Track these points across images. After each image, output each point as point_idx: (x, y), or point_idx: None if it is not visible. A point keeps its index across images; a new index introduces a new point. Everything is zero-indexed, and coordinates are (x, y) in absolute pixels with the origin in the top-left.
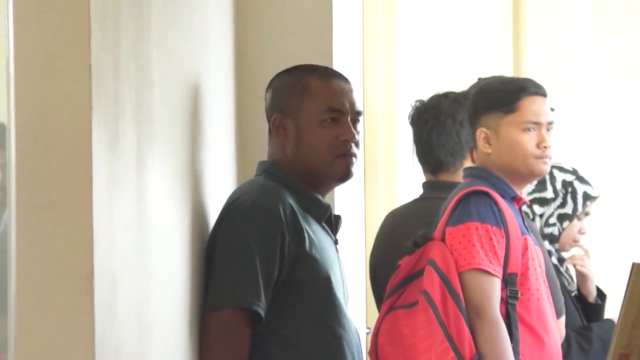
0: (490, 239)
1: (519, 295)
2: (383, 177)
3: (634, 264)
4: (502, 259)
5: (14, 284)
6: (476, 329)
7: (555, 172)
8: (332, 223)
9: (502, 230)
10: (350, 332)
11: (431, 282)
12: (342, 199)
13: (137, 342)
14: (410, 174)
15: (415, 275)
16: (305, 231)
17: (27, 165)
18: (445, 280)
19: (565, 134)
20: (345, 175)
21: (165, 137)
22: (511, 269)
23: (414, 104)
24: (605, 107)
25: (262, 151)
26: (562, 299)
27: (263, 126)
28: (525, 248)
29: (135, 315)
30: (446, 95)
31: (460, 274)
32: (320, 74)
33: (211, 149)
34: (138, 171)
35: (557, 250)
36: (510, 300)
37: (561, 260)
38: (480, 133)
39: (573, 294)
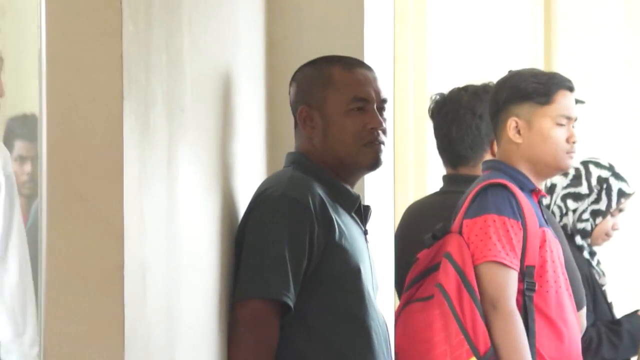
0: (507, 231)
1: (537, 287)
2: (413, 167)
3: None
4: (519, 252)
5: (44, 275)
6: (491, 322)
7: (592, 168)
8: (361, 213)
9: (520, 223)
10: (378, 323)
11: (447, 275)
12: (371, 189)
13: (167, 333)
14: (440, 165)
15: (432, 268)
16: (335, 222)
17: (58, 156)
18: (461, 273)
19: (596, 129)
20: (374, 163)
21: (196, 127)
22: (528, 261)
23: (433, 97)
24: (638, 100)
25: (291, 142)
26: (582, 291)
27: (292, 117)
28: (544, 240)
29: (164, 306)
30: (466, 89)
31: (476, 267)
32: (343, 64)
33: (241, 140)
34: (169, 162)
35: (589, 245)
36: (527, 293)
37: (593, 254)
38: (512, 122)
39: (603, 288)
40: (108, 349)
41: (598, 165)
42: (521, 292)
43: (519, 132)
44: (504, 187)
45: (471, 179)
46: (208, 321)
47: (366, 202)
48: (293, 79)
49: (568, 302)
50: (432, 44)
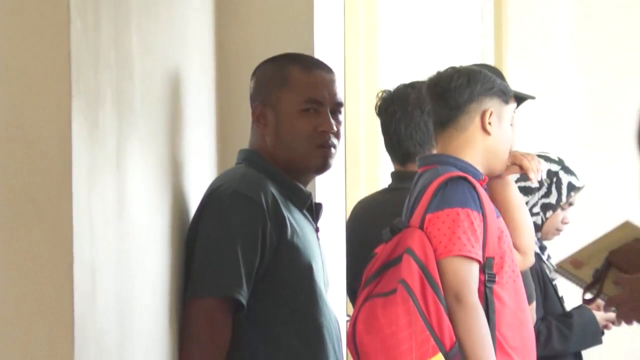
0: (472, 222)
1: (498, 278)
2: (364, 165)
3: (626, 221)
4: (482, 243)
5: None
6: (455, 316)
7: (541, 162)
8: (313, 211)
9: (481, 215)
10: (330, 320)
11: (410, 272)
12: (323, 186)
13: (118, 332)
14: (391, 163)
15: (391, 262)
16: (287, 219)
17: (5, 155)
18: (423, 268)
19: (545, 123)
20: (322, 166)
21: (146, 126)
22: (488, 252)
23: (380, 94)
24: (587, 96)
25: (242, 140)
26: (532, 286)
27: (243, 115)
28: (502, 231)
29: (115, 304)
30: (412, 86)
31: (439, 261)
32: (302, 65)
33: (192, 138)
34: (118, 160)
35: (539, 239)
36: (488, 284)
37: (543, 248)
38: (487, 112)
39: (554, 282)
40: (58, 350)
41: (547, 159)
42: (482, 284)
43: (489, 123)
44: (464, 179)
45: None
46: (160, 320)
47: (318, 200)
48: (254, 74)
49: (523, 291)
50: (383, 41)
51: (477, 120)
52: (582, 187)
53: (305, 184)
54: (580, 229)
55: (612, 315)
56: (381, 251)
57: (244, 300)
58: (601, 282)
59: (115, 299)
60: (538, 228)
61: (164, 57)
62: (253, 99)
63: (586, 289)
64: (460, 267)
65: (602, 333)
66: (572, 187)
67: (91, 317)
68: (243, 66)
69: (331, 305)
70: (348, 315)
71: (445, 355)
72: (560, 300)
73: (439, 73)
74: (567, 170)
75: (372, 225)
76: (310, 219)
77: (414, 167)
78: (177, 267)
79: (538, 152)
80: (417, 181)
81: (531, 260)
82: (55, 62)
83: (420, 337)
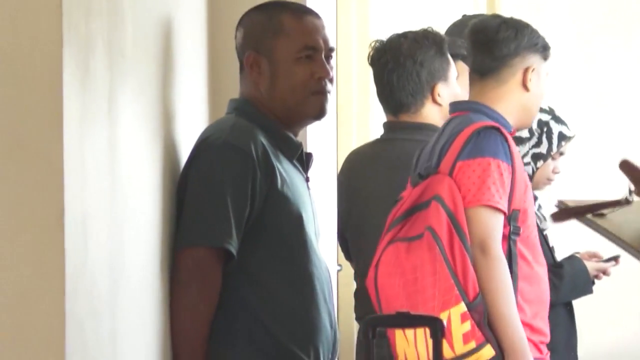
0: (501, 174)
1: (520, 231)
2: (356, 115)
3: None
4: (507, 196)
5: None
6: (479, 266)
7: None
8: (303, 161)
9: (510, 167)
10: (321, 269)
11: (438, 219)
12: (314, 136)
13: (109, 282)
14: (383, 114)
15: (418, 207)
16: (276, 169)
17: None
18: (452, 218)
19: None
20: (320, 112)
21: (137, 74)
22: (515, 205)
23: (373, 44)
24: (582, 54)
25: (234, 89)
26: None
27: (235, 65)
28: (527, 185)
29: (107, 254)
30: (405, 36)
31: (465, 209)
32: (292, 11)
33: (183, 87)
34: (109, 109)
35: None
36: (512, 237)
37: (534, 198)
38: (530, 69)
39: (545, 232)
40: (50, 296)
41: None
42: (506, 237)
43: (530, 80)
44: (497, 129)
45: (413, 126)
46: (151, 269)
47: (309, 150)
48: (240, 23)
49: (539, 246)
50: None
51: (519, 75)
52: (572, 137)
53: (297, 133)
54: (572, 177)
55: (603, 265)
56: (408, 195)
57: (233, 250)
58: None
59: (107, 249)
60: (529, 178)
61: (155, 4)
62: (243, 48)
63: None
64: (487, 217)
65: (593, 283)
66: (563, 137)
67: (82, 265)
68: (235, 13)
69: (322, 254)
70: (339, 265)
71: (467, 305)
72: (551, 250)
73: (482, 20)
74: (558, 120)
75: (365, 175)
76: (301, 168)
77: (406, 117)
78: (168, 217)
79: None
80: (446, 126)
81: None
82: (47, 11)
83: (444, 285)
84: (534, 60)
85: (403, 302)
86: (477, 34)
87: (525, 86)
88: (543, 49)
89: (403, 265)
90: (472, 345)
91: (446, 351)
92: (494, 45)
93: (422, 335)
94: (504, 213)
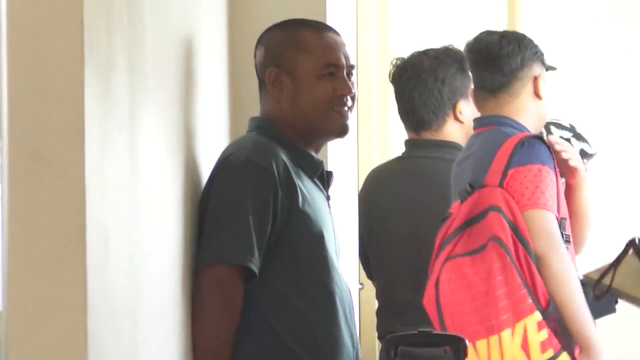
0: (552, 180)
1: (571, 239)
2: (376, 132)
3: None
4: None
5: (6, 238)
6: (546, 266)
7: (553, 129)
8: (324, 179)
9: (555, 175)
10: (342, 288)
11: (502, 228)
12: (335, 154)
13: (130, 297)
14: (404, 130)
15: (471, 221)
16: (298, 187)
17: (19, 119)
18: (513, 226)
19: (560, 92)
20: (342, 130)
21: (158, 91)
22: (562, 213)
23: (394, 61)
24: (602, 66)
25: (255, 107)
26: None
27: (256, 82)
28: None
29: (127, 269)
30: (427, 53)
31: (523, 213)
32: (313, 28)
33: (204, 104)
34: (131, 125)
35: None
36: (566, 245)
37: None
38: (539, 77)
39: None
40: (70, 313)
41: (559, 126)
42: None
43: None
44: (540, 139)
45: (434, 144)
46: (172, 286)
47: (330, 167)
48: (260, 41)
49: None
50: (395, 6)
51: (530, 85)
52: (594, 154)
53: (318, 151)
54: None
55: None
56: (457, 211)
57: (255, 269)
58: (614, 268)
59: (128, 263)
60: None
61: (176, 21)
62: (263, 65)
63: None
64: (547, 219)
65: (616, 302)
66: (584, 154)
67: (103, 281)
68: (255, 30)
69: (343, 273)
70: (360, 284)
71: (542, 313)
72: None
73: (479, 40)
74: (579, 137)
75: (387, 193)
76: (322, 187)
77: (428, 134)
78: (189, 234)
79: (549, 119)
80: (474, 140)
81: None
82: (69, 28)
83: (517, 295)
84: (538, 68)
85: (471, 317)
86: (480, 53)
87: (537, 95)
88: (542, 56)
89: (469, 280)
90: (550, 353)
91: None
92: (501, 61)
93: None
94: (557, 218)
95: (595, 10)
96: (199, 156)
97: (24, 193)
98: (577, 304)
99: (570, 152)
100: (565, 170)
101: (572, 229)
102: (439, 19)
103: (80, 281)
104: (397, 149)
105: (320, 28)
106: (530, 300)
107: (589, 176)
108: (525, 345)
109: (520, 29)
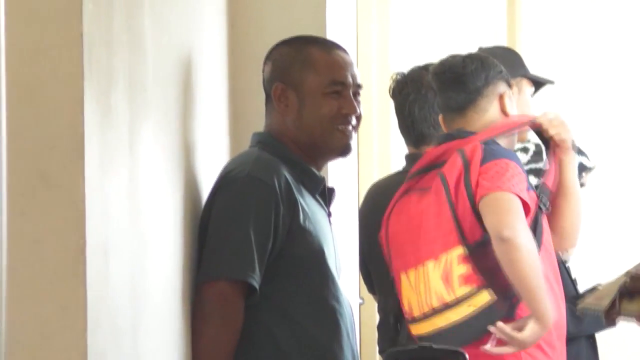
0: (520, 172)
1: (548, 206)
2: (377, 149)
3: None
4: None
5: (5, 256)
6: (506, 244)
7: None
8: (325, 195)
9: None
10: (343, 304)
11: (452, 167)
12: (335, 170)
13: (131, 314)
14: (404, 146)
15: (437, 165)
16: (299, 203)
17: (19, 137)
18: (466, 165)
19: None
20: (344, 149)
21: (158, 108)
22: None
23: (394, 76)
24: (602, 83)
25: (255, 123)
26: None
27: (256, 98)
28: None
29: (128, 287)
30: (426, 68)
31: (483, 197)
32: (321, 46)
33: (204, 121)
34: (131, 142)
35: None
36: (542, 207)
37: None
38: (505, 95)
39: (567, 265)
40: (71, 330)
41: None
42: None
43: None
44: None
45: None
46: (173, 302)
47: (330, 182)
48: (268, 57)
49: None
50: (395, 22)
51: (496, 103)
52: (593, 168)
53: (320, 168)
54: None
55: None
56: (431, 152)
57: (256, 284)
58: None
59: (128, 281)
60: None
61: (176, 38)
62: (270, 80)
63: (606, 314)
64: (511, 199)
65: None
66: (583, 168)
67: (104, 299)
68: (255, 48)
69: (344, 289)
70: (361, 298)
71: (468, 248)
72: (573, 282)
73: (443, 62)
74: (578, 151)
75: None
76: (323, 203)
77: (428, 149)
78: (190, 250)
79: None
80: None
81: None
82: (68, 45)
83: (446, 227)
84: (503, 87)
85: (408, 247)
86: (444, 74)
87: (504, 112)
88: (507, 75)
89: (411, 212)
90: (468, 288)
91: (448, 295)
92: (465, 79)
93: None
94: (524, 202)
95: (594, 20)
96: (199, 172)
97: (24, 211)
98: (536, 280)
99: (559, 126)
100: (555, 145)
101: (562, 212)
102: (439, 33)
103: (81, 298)
104: (397, 163)
105: (328, 46)
106: (457, 234)
107: (588, 189)
108: (445, 277)
109: (520, 43)
